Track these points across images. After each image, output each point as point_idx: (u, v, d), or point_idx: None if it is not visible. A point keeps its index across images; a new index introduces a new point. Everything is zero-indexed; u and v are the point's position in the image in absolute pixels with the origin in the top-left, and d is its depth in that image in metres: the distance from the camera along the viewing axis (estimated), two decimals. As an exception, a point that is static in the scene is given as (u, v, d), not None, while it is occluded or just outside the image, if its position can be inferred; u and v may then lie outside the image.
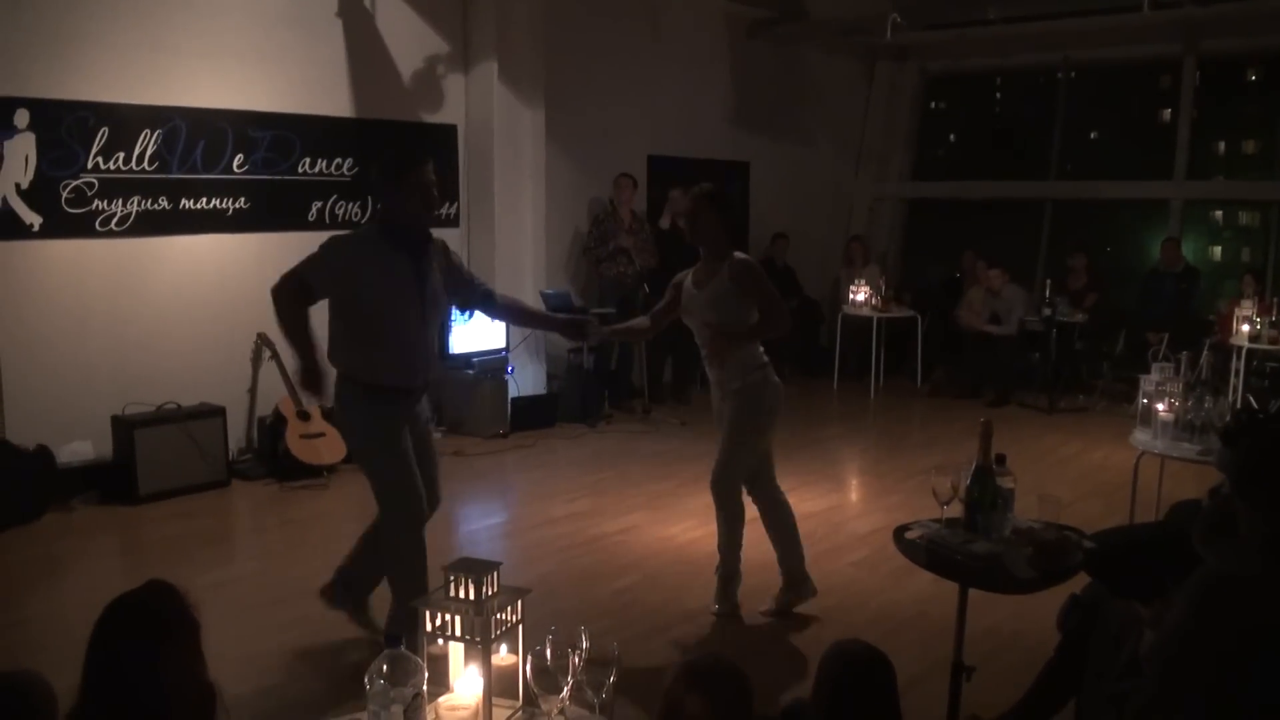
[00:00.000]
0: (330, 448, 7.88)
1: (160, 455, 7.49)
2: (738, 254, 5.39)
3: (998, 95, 15.22)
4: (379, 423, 4.70)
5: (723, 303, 5.30)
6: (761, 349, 5.53)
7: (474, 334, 9.44)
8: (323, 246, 4.64)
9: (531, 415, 9.74)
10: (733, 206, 5.37)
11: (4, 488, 6.83)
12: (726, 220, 5.42)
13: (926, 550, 3.78)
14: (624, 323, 6.62)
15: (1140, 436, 5.92)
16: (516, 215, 9.86)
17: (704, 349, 5.47)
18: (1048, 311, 10.72)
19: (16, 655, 4.88)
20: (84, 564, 6.50)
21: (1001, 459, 3.86)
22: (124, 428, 7.50)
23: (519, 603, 2.87)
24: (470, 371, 9.46)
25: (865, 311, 11.64)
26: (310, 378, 4.62)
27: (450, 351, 9.32)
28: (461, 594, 2.77)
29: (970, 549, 3.67)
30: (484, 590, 2.77)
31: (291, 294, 4.58)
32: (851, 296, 11.84)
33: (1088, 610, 3.71)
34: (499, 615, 2.78)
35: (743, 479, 5.56)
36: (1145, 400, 5.97)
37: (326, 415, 7.96)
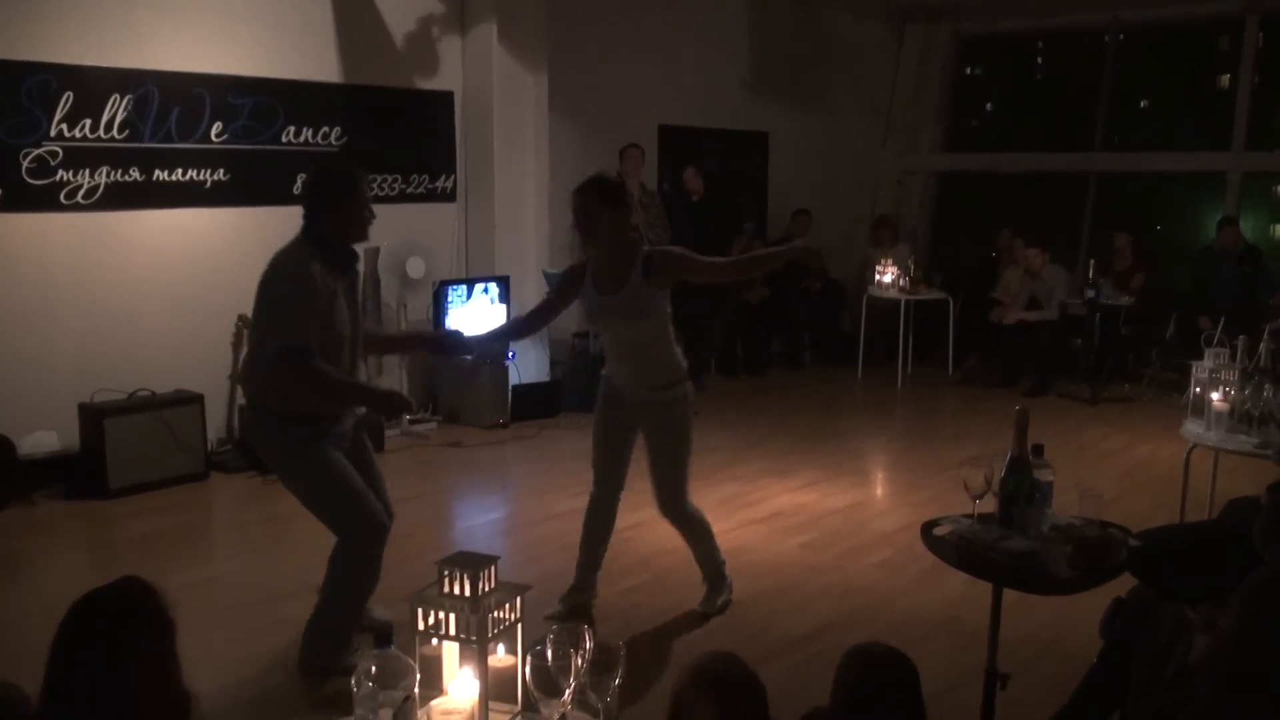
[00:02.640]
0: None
1: (132, 446, 7.49)
2: (648, 248, 5.29)
3: (1039, 60, 15.14)
4: (309, 447, 4.75)
5: (644, 306, 5.16)
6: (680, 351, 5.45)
7: (473, 317, 9.44)
8: (293, 294, 4.56)
9: (533, 404, 9.75)
10: (623, 197, 5.21)
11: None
12: (622, 215, 5.17)
13: (957, 547, 3.76)
14: (493, 329, 6.34)
15: (1192, 428, 5.90)
16: (518, 189, 9.86)
17: (617, 354, 5.39)
18: (1091, 294, 10.67)
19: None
20: (47, 562, 6.51)
21: (1039, 450, 3.85)
22: (93, 416, 7.50)
23: (518, 600, 2.87)
24: (468, 357, 9.45)
25: (892, 294, 11.61)
26: (394, 402, 4.91)
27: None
28: (456, 590, 2.77)
29: (1005, 546, 3.65)
30: (480, 586, 2.76)
31: (305, 367, 4.54)
32: (877, 278, 11.81)
33: (1133, 615, 3.70)
34: (496, 613, 2.78)
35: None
36: (1198, 389, 5.94)
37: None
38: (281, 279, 4.61)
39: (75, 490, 7.47)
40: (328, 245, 4.66)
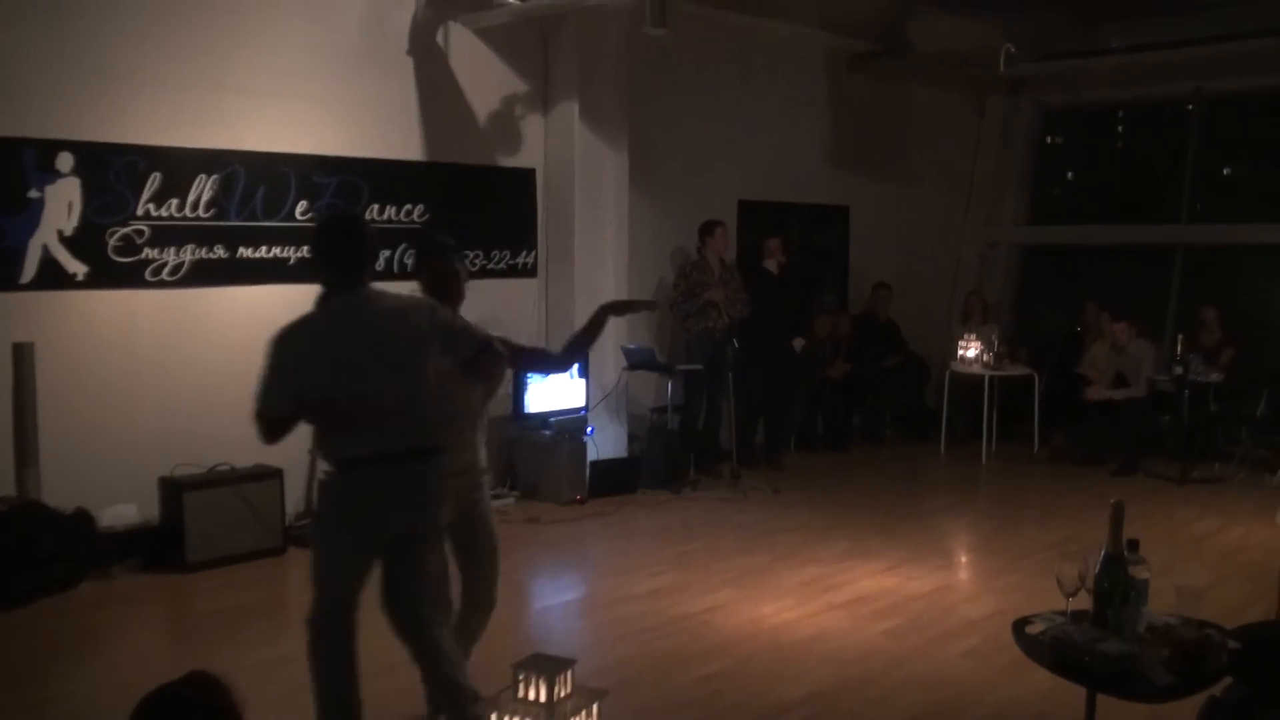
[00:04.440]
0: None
1: (211, 520, 7.51)
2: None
3: (1120, 129, 14.96)
4: None
5: None
6: None
7: (552, 392, 9.42)
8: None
9: (612, 480, 9.68)
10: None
11: (38, 553, 6.86)
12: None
13: (1051, 649, 3.64)
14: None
15: (1290, 515, 5.71)
16: (597, 264, 9.86)
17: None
18: (1179, 370, 10.44)
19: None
20: (125, 637, 6.54)
21: (1134, 545, 3.72)
22: (173, 490, 7.55)
23: (595, 706, 2.80)
24: (547, 432, 9.44)
25: (976, 369, 11.46)
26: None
27: (526, 411, 9.31)
28: (532, 695, 2.71)
29: (1100, 649, 3.52)
30: (556, 692, 2.70)
31: None
32: (961, 353, 11.65)
33: (1231, 715, 3.55)
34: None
35: None
36: (1295, 474, 5.75)
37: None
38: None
39: (153, 563, 7.50)
40: None
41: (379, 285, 4.44)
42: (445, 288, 4.88)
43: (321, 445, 4.36)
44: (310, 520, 4.58)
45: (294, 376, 4.20)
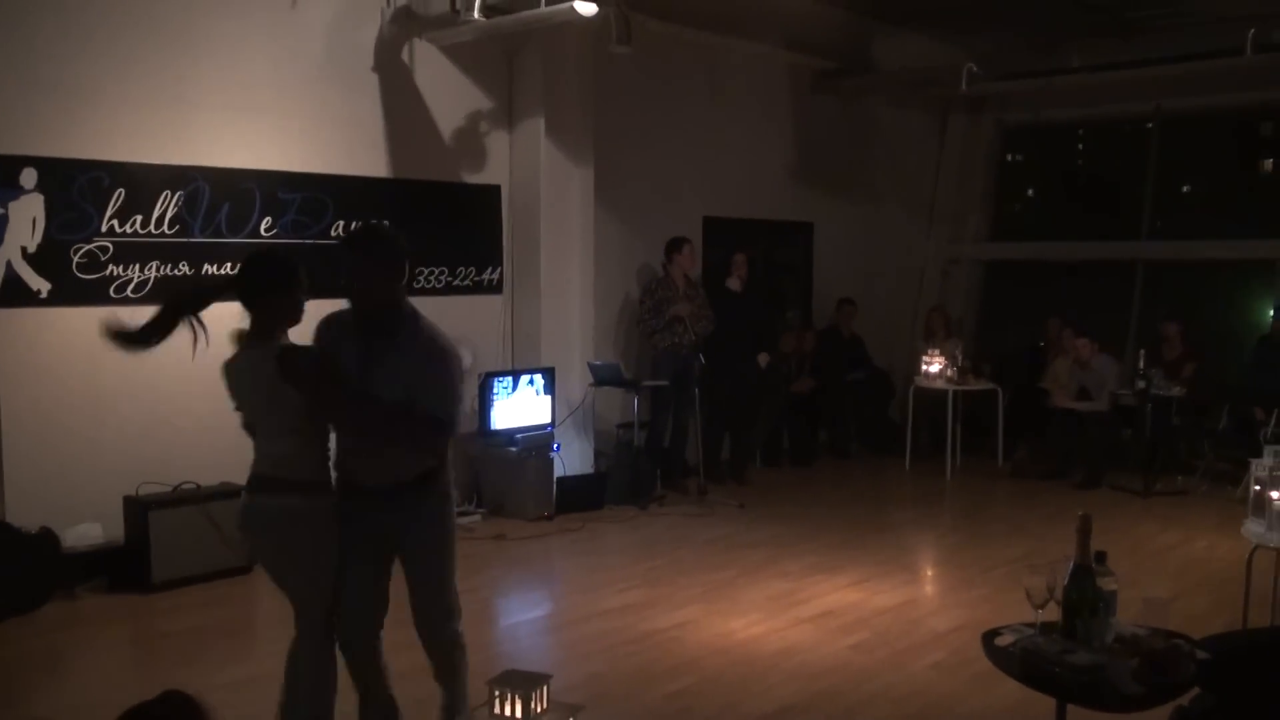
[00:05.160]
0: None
1: (177, 539, 7.43)
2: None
3: (1080, 147, 15.09)
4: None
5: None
6: None
7: (517, 409, 9.40)
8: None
9: (578, 496, 9.67)
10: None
11: (1, 574, 6.79)
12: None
13: (1021, 660, 3.66)
14: None
15: (1253, 528, 5.77)
16: (563, 281, 9.86)
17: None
18: (1142, 384, 10.52)
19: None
20: (89, 658, 6.46)
21: (1102, 557, 3.75)
22: (137, 509, 7.47)
23: (570, 721, 2.80)
24: (513, 449, 9.41)
25: (940, 384, 11.51)
26: None
27: (491, 427, 9.29)
28: (508, 711, 2.70)
29: (1069, 660, 3.55)
30: (533, 707, 2.69)
31: None
32: (924, 368, 11.71)
33: (1199, 725, 3.58)
34: (548, 735, 2.71)
35: None
36: (1258, 487, 5.80)
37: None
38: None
39: (118, 583, 7.43)
40: None
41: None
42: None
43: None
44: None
45: None
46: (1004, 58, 12.22)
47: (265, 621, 7.34)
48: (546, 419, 9.65)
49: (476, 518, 9.33)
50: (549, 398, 9.64)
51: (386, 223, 7.36)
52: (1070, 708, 3.72)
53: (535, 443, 9.51)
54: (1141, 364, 10.64)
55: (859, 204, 13.29)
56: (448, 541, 4.52)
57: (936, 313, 12.90)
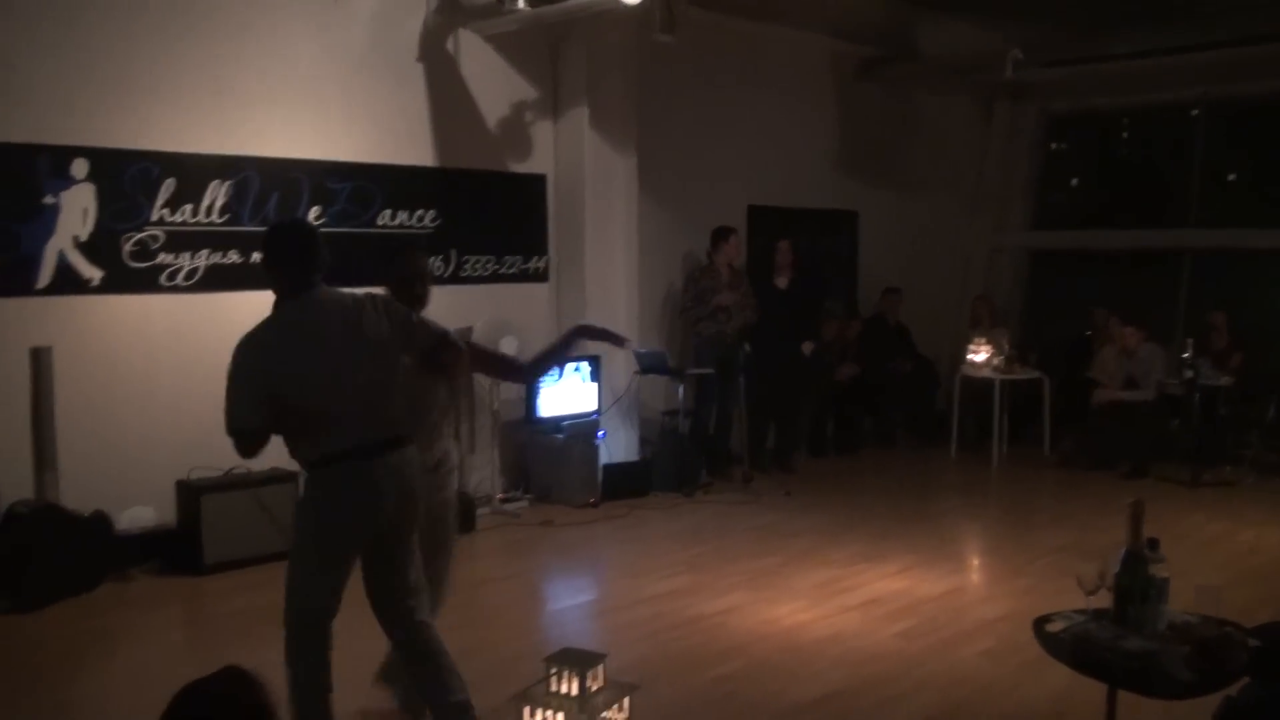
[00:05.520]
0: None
1: (228, 523, 7.52)
2: None
3: (1124, 135, 14.96)
4: None
5: None
6: None
7: (563, 396, 9.44)
8: None
9: (624, 483, 9.70)
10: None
11: (56, 556, 6.89)
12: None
13: (1073, 646, 3.65)
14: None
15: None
16: (608, 269, 9.88)
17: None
18: (1189, 374, 10.44)
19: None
20: (142, 639, 6.55)
21: (1154, 544, 3.74)
22: (189, 493, 7.58)
23: (626, 700, 2.82)
24: (560, 436, 9.46)
25: (986, 373, 11.46)
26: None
27: (538, 415, 9.34)
28: (564, 689, 2.72)
29: (1122, 646, 3.54)
30: (588, 685, 2.71)
31: None
32: (970, 357, 11.66)
33: (1246, 715, 3.56)
34: (605, 714, 2.73)
35: None
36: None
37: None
38: None
39: (170, 566, 7.54)
40: None
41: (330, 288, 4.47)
42: (412, 289, 4.93)
43: (298, 450, 4.38)
44: (296, 529, 4.53)
45: (261, 384, 4.20)
46: (1048, 44, 12.13)
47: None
48: (592, 406, 9.69)
49: (523, 504, 9.38)
50: (595, 385, 9.67)
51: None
52: (1120, 695, 3.72)
53: (581, 430, 9.55)
54: (1188, 353, 10.55)
55: (903, 192, 13.23)
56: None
57: (981, 301, 12.83)
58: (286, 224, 6.30)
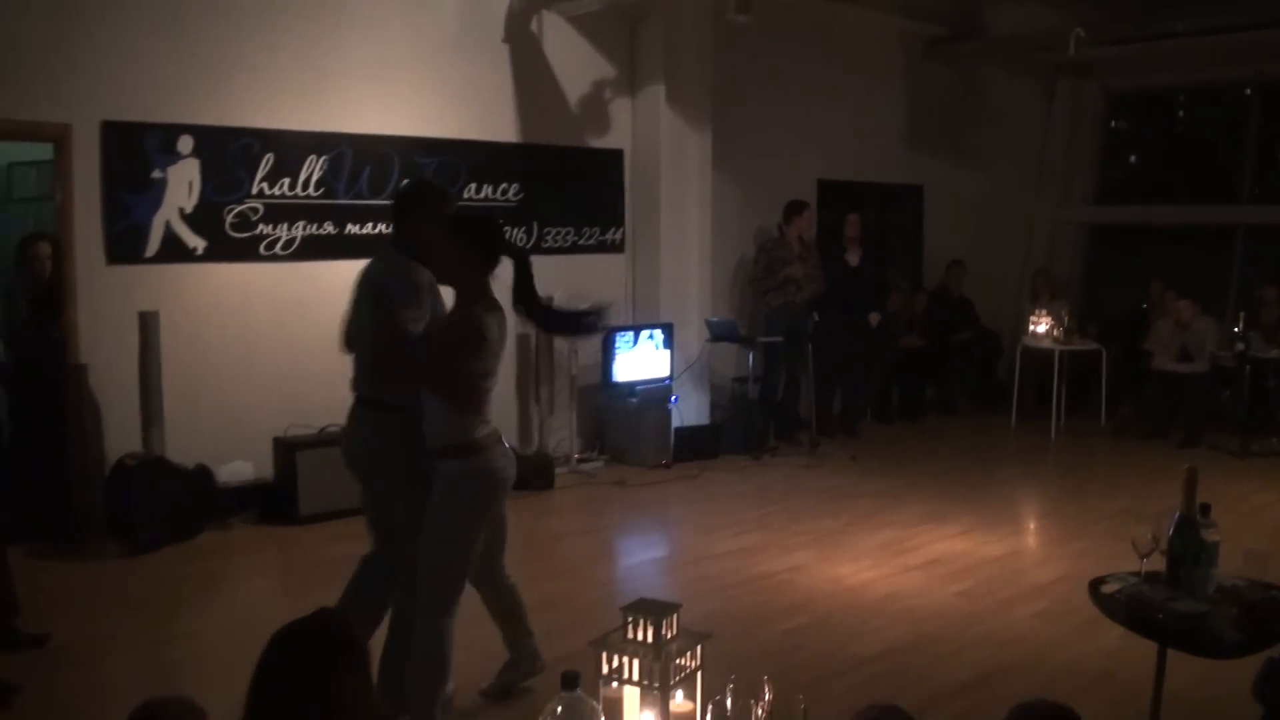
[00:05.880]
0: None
1: (321, 477, 7.64)
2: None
3: (1181, 113, 14.73)
4: None
5: None
6: None
7: (638, 362, 9.51)
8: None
9: (695, 446, 9.76)
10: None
11: (162, 505, 7.11)
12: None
13: (1126, 606, 3.67)
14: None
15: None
16: (682, 241, 9.92)
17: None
18: (1241, 346, 10.31)
19: (171, 674, 5.07)
20: (242, 582, 6.77)
21: (1206, 509, 3.74)
22: (286, 449, 7.76)
23: (699, 648, 2.87)
24: (634, 400, 9.54)
25: (1046, 344, 11.38)
26: None
27: (614, 379, 9.41)
28: (639, 636, 2.78)
29: (1173, 607, 3.55)
30: (663, 633, 2.77)
31: None
32: (1032, 328, 11.59)
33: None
34: (678, 660, 2.78)
35: None
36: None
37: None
38: None
39: (268, 516, 7.75)
40: None
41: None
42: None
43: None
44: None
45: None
46: (1110, 23, 11.98)
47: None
48: (665, 372, 9.74)
49: (599, 464, 9.48)
50: (668, 352, 9.72)
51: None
52: (1170, 655, 3.73)
53: (654, 394, 9.62)
54: (1241, 327, 10.43)
55: (968, 167, 13.13)
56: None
57: (1042, 276, 12.70)
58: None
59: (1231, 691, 4.26)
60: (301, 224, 8.07)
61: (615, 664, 2.80)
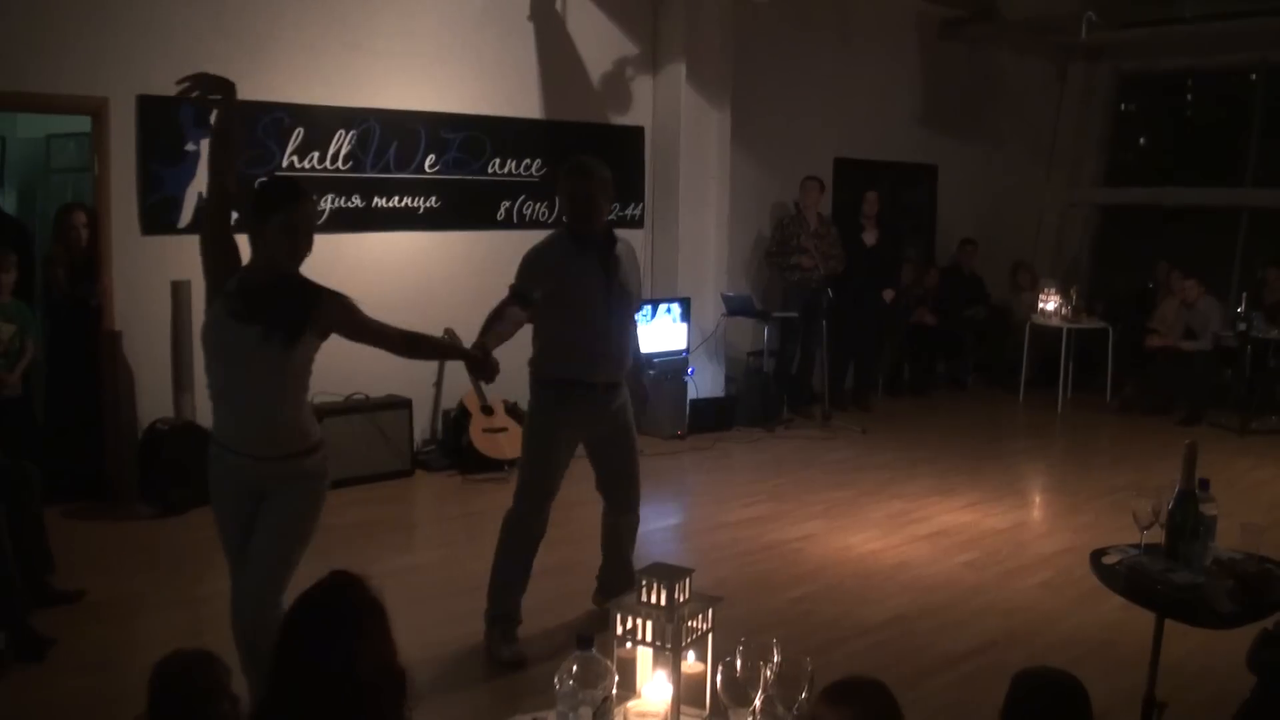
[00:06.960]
0: (512, 442, 8.02)
1: (347, 443, 7.68)
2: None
3: (1189, 97, 14.65)
4: (537, 417, 5.13)
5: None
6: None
7: (654, 335, 9.52)
8: (525, 258, 5.01)
9: (709, 417, 9.77)
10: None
11: (193, 468, 7.11)
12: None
13: (1126, 577, 3.68)
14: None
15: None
16: (700, 217, 9.92)
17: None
18: (1243, 326, 10.31)
19: (199, 630, 5.12)
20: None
21: (1205, 484, 3.74)
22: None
23: (710, 611, 2.90)
24: (651, 372, 9.54)
25: (1054, 322, 11.36)
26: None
27: (632, 351, 9.42)
28: (653, 599, 2.81)
29: (1171, 578, 3.56)
30: (676, 596, 2.80)
31: (505, 301, 4.88)
32: (1041, 305, 11.57)
33: (1281, 647, 3.57)
34: (690, 623, 2.81)
35: None
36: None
37: (509, 410, 8.17)
38: None
39: (294, 480, 7.77)
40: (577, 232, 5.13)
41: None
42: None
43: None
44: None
45: None
46: (1121, 7, 11.92)
47: (423, 519, 7.64)
48: (682, 345, 9.75)
49: (614, 434, 9.50)
50: (684, 325, 9.73)
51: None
52: (1167, 624, 3.75)
53: (671, 366, 9.63)
54: (1243, 307, 10.41)
55: (981, 148, 13.10)
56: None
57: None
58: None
59: (1227, 661, 4.29)
60: (330, 197, 8.08)
61: (629, 625, 2.84)
